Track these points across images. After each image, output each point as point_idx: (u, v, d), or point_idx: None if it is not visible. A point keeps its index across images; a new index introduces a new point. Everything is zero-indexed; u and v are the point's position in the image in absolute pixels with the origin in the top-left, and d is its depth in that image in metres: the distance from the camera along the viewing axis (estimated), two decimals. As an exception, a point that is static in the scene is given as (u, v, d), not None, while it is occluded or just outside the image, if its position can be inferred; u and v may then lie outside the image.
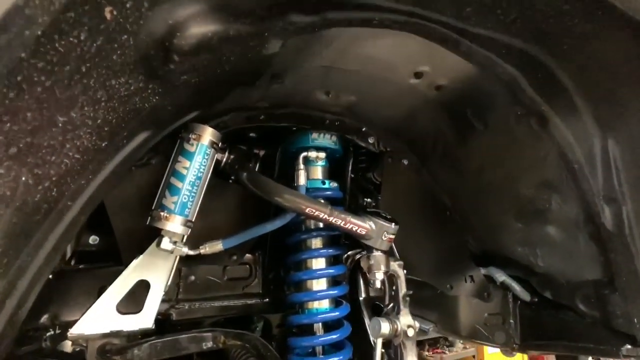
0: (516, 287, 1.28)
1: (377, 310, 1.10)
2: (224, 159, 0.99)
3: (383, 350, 0.83)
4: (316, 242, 0.96)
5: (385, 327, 0.81)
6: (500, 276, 1.30)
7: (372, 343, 0.89)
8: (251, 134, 1.10)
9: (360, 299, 1.03)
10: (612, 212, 0.98)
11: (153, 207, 0.86)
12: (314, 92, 0.93)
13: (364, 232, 0.86)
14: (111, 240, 0.96)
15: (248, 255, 1.05)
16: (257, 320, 1.15)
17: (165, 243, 0.87)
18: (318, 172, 0.99)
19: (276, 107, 0.96)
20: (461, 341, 6.44)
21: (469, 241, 1.34)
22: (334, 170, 1.04)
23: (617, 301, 1.02)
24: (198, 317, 0.98)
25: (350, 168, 1.04)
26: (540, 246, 1.19)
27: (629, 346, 1.04)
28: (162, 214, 0.85)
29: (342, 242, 1.01)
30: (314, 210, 0.84)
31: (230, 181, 1.05)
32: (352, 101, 1.00)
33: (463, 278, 1.32)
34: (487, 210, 1.24)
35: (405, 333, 0.84)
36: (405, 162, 1.23)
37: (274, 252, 1.05)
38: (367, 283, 1.09)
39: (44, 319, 0.84)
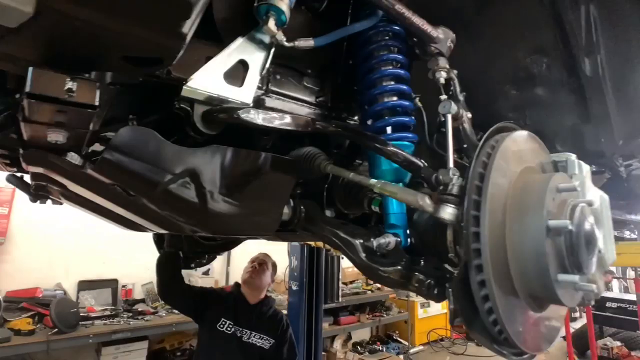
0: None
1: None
2: None
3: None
4: (385, 50, 1.14)
5: (455, 106, 1.02)
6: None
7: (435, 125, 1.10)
8: None
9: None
10: (590, 62, 1.31)
11: (263, -11, 0.96)
12: None
13: (435, 35, 1.07)
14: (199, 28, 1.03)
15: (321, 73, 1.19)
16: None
17: (272, 24, 0.96)
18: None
19: None
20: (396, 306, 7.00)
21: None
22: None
23: (590, 132, 1.37)
24: (285, 111, 1.08)
25: None
26: (529, 108, 1.51)
27: (594, 167, 1.41)
28: (274, -10, 0.95)
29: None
30: (401, 9, 1.01)
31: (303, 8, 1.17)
32: None
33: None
34: (489, 80, 1.53)
35: (466, 115, 1.06)
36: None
37: (345, 73, 1.21)
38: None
39: (160, 72, 0.89)
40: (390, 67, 1.14)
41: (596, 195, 0.94)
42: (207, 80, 0.93)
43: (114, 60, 0.67)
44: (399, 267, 0.98)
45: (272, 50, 1.03)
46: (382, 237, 1.01)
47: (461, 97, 1.09)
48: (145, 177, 0.92)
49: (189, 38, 0.64)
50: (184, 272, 2.64)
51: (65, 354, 4.06)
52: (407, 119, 1.11)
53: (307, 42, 1.04)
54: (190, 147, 0.94)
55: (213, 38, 1.00)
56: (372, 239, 1.01)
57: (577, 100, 1.39)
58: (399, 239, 1.02)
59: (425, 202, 0.82)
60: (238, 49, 0.99)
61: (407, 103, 1.12)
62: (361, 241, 1.03)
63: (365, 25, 1.08)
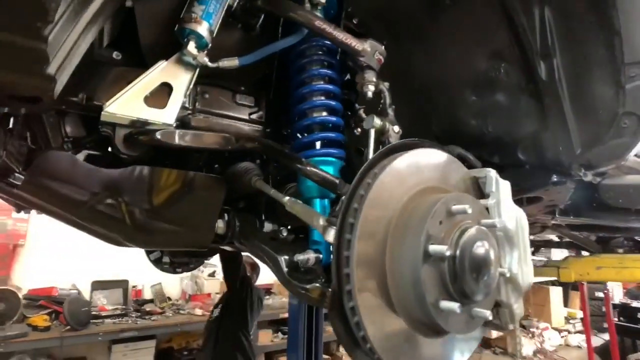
0: (470, 156, 1.54)
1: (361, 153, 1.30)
2: (235, 3, 1.13)
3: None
4: (315, 65, 1.14)
5: (378, 121, 1.01)
6: (455, 149, 1.56)
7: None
8: None
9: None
10: (546, 66, 1.25)
11: (183, 13, 0.99)
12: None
13: (360, 49, 1.06)
14: (133, 55, 1.07)
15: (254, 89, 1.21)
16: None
17: (192, 47, 0.99)
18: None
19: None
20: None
21: (432, 122, 1.59)
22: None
23: (549, 140, 1.31)
24: (212, 129, 1.11)
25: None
26: (490, 114, 1.46)
27: (555, 177, 1.35)
28: (192, 15, 0.98)
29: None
30: (322, 25, 1.01)
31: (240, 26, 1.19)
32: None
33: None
34: (449, 87, 1.49)
35: (392, 129, 1.04)
36: (385, 42, 1.45)
37: (278, 91, 1.22)
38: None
39: (79, 97, 0.93)
40: (321, 82, 1.14)
41: (512, 215, 0.90)
42: (127, 104, 0.97)
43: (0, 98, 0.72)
44: (317, 284, 0.98)
45: (197, 71, 1.06)
46: (303, 253, 1.02)
47: (390, 111, 1.07)
48: (69, 197, 0.97)
49: (62, 78, 0.68)
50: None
51: (78, 349, 4.28)
52: (333, 135, 1.10)
53: (231, 62, 1.06)
54: (115, 168, 0.99)
55: (142, 64, 1.04)
56: (295, 255, 1.02)
57: (536, 106, 1.34)
58: (319, 256, 1.02)
59: (319, 224, 0.82)
60: (161, 72, 1.02)
61: (334, 118, 1.11)
62: (286, 257, 1.04)
63: (289, 42, 1.09)
